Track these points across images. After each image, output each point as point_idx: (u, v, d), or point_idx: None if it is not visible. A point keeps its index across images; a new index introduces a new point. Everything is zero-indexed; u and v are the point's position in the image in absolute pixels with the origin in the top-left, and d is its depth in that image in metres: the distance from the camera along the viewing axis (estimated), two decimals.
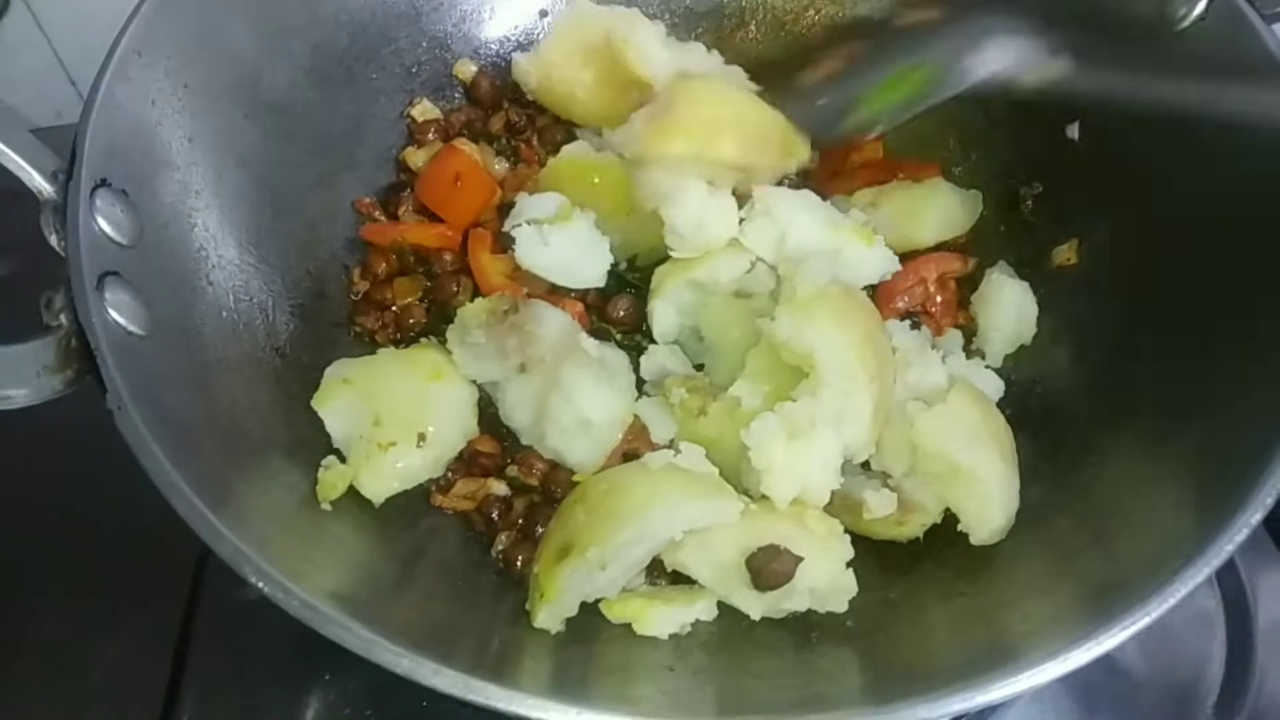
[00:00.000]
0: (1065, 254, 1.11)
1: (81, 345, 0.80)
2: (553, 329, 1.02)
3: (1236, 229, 0.94)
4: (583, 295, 1.11)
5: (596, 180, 1.11)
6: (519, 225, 1.06)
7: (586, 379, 0.99)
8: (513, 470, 1.03)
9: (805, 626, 0.90)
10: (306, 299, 1.10)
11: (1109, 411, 0.98)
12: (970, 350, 1.11)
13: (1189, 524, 0.80)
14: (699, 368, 1.05)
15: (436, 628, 0.83)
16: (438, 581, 0.93)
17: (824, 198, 1.09)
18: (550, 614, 0.86)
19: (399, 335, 1.13)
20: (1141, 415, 0.94)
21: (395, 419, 0.96)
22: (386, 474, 0.95)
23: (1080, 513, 0.91)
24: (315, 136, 1.15)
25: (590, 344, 1.03)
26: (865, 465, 0.97)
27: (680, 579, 0.94)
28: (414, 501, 0.99)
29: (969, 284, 1.15)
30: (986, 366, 1.09)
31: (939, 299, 1.12)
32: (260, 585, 0.72)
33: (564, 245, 1.06)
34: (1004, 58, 1.06)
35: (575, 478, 1.00)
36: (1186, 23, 1.02)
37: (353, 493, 0.94)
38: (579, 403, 0.98)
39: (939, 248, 1.16)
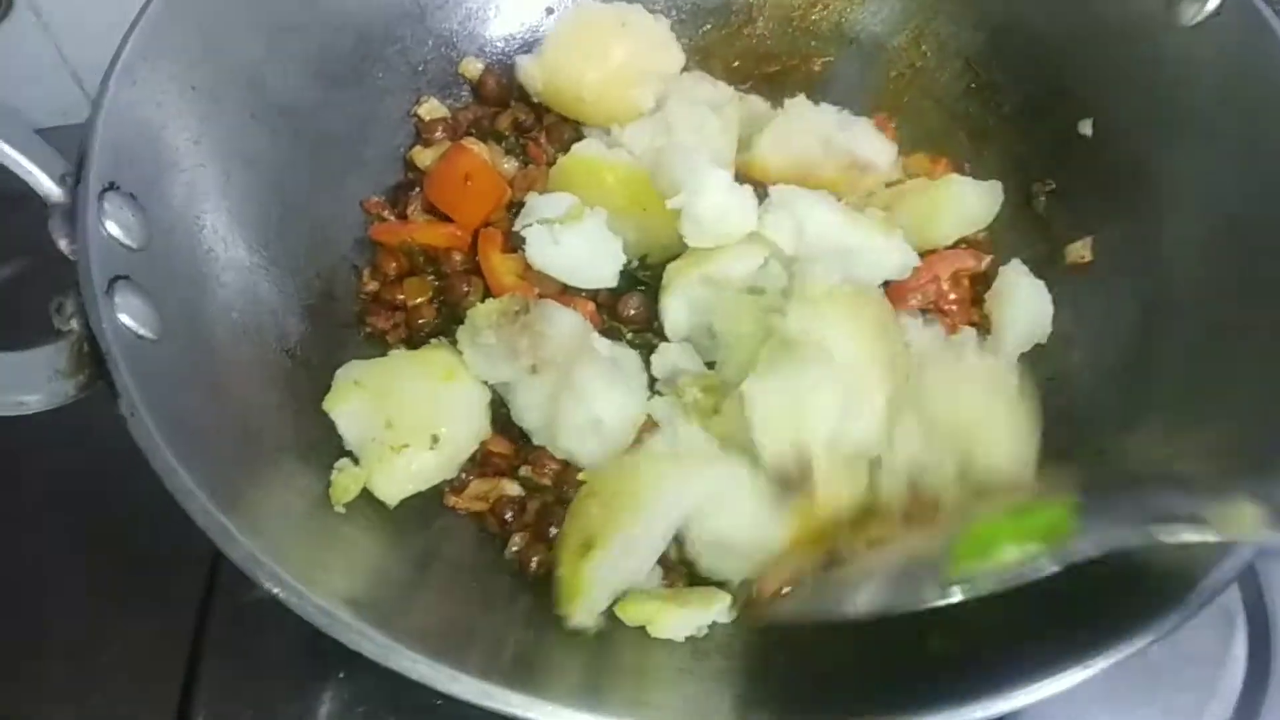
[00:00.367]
0: (1079, 252, 1.11)
1: (93, 350, 0.80)
2: (564, 329, 1.01)
3: (1256, 227, 0.93)
4: (594, 294, 1.10)
5: (608, 179, 1.10)
6: (529, 225, 1.05)
7: (598, 379, 0.98)
8: (526, 471, 1.02)
9: (823, 627, 0.89)
10: (316, 300, 1.09)
11: (1124, 412, 0.97)
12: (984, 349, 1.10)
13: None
14: (710, 365, 1.04)
15: (451, 631, 0.83)
16: (451, 584, 0.92)
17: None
18: (585, 611, 0.87)
19: (409, 335, 1.12)
20: (1157, 416, 0.93)
21: (408, 421, 0.95)
22: (400, 476, 0.95)
23: None
24: (322, 137, 1.14)
25: (602, 344, 1.03)
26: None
27: (697, 580, 0.93)
28: (427, 503, 0.98)
29: (983, 281, 1.14)
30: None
31: (953, 296, 1.11)
32: (275, 590, 0.72)
33: (575, 245, 1.05)
34: None
35: (581, 476, 0.99)
36: (1200, 17, 1.01)
37: (366, 495, 0.94)
38: (591, 403, 0.98)
39: (955, 244, 1.15)
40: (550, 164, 1.19)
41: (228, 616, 1.08)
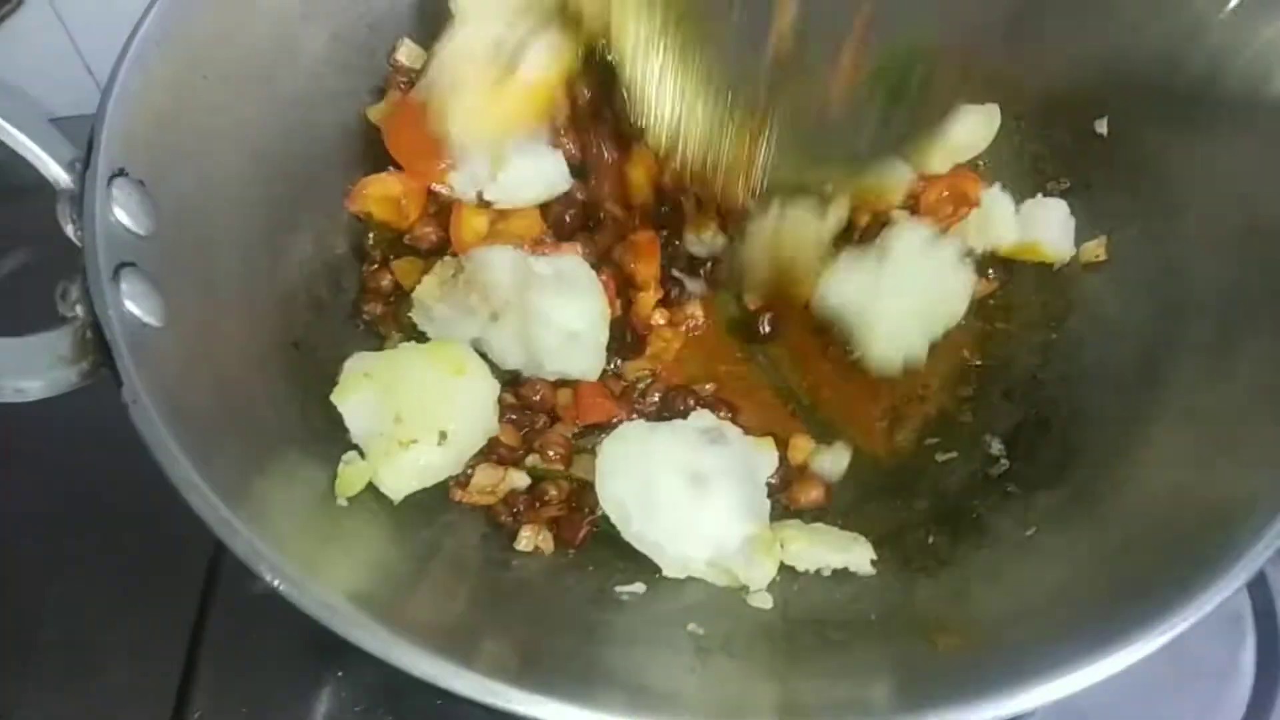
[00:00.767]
0: (1094, 251, 1.09)
1: (97, 337, 0.79)
2: (503, 269, 1.02)
3: (1276, 227, 0.92)
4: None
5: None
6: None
7: (552, 296, 1.00)
8: (534, 460, 1.02)
9: (830, 627, 0.88)
10: (323, 290, 1.09)
11: (1138, 415, 0.95)
12: None
13: (1221, 532, 0.78)
14: None
15: (455, 627, 0.82)
16: (456, 579, 0.91)
17: None
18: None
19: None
20: (1173, 419, 0.92)
21: (417, 416, 0.94)
22: (407, 472, 0.94)
23: (1110, 516, 0.89)
24: (334, 126, 1.14)
25: (540, 264, 1.03)
26: None
27: None
28: (431, 497, 0.97)
29: None
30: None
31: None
32: (276, 584, 0.71)
33: (521, 168, 1.07)
34: None
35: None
36: (1220, 16, 1.00)
37: (370, 489, 0.93)
38: (557, 321, 1.00)
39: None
40: None
41: (227, 613, 1.07)
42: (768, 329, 1.13)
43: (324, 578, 0.73)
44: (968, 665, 0.80)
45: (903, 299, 1.04)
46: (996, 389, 1.09)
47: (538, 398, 1.05)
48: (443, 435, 0.95)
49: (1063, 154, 1.15)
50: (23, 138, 0.87)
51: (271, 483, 0.85)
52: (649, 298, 1.10)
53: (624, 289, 1.11)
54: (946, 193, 1.15)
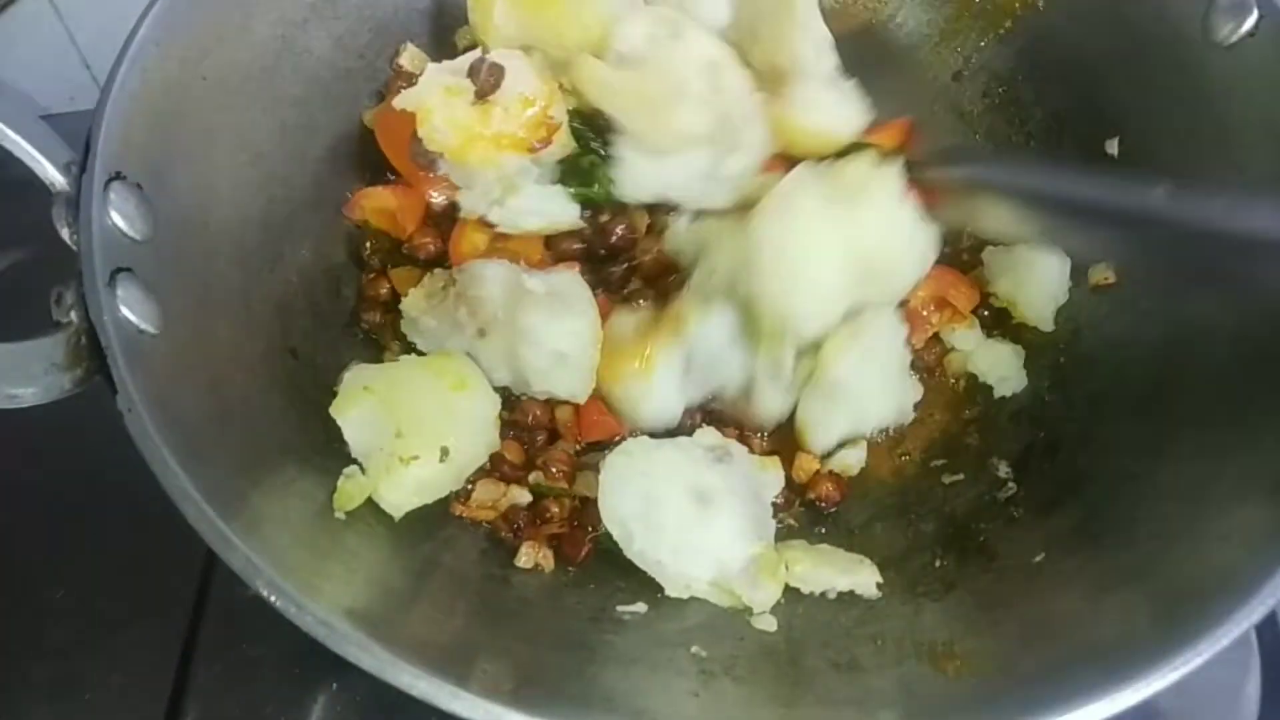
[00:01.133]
0: (1103, 273, 1.08)
1: (91, 343, 0.77)
2: (495, 284, 1.00)
3: None
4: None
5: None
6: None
7: (543, 316, 0.98)
8: (536, 476, 1.00)
9: (836, 652, 0.87)
10: (322, 298, 1.07)
11: (1149, 440, 0.94)
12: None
13: (1238, 559, 0.77)
14: None
15: (453, 646, 0.81)
16: (455, 596, 0.89)
17: None
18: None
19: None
20: (1185, 446, 0.91)
21: (418, 431, 0.92)
22: (408, 488, 0.92)
23: (1120, 543, 0.87)
24: (335, 131, 1.13)
25: (534, 281, 1.00)
26: None
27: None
28: (432, 511, 0.95)
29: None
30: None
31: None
32: (273, 600, 0.69)
33: (531, 196, 1.05)
34: None
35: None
36: (1235, 38, 0.99)
37: (369, 503, 0.91)
38: (545, 341, 0.97)
39: None
40: None
41: (220, 621, 1.05)
42: None
43: (321, 594, 0.72)
44: (977, 695, 0.79)
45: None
46: (1003, 411, 1.07)
47: (530, 419, 1.03)
48: (444, 451, 0.93)
49: None
50: (18, 139, 0.85)
51: (268, 495, 0.84)
52: None
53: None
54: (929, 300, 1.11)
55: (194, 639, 1.04)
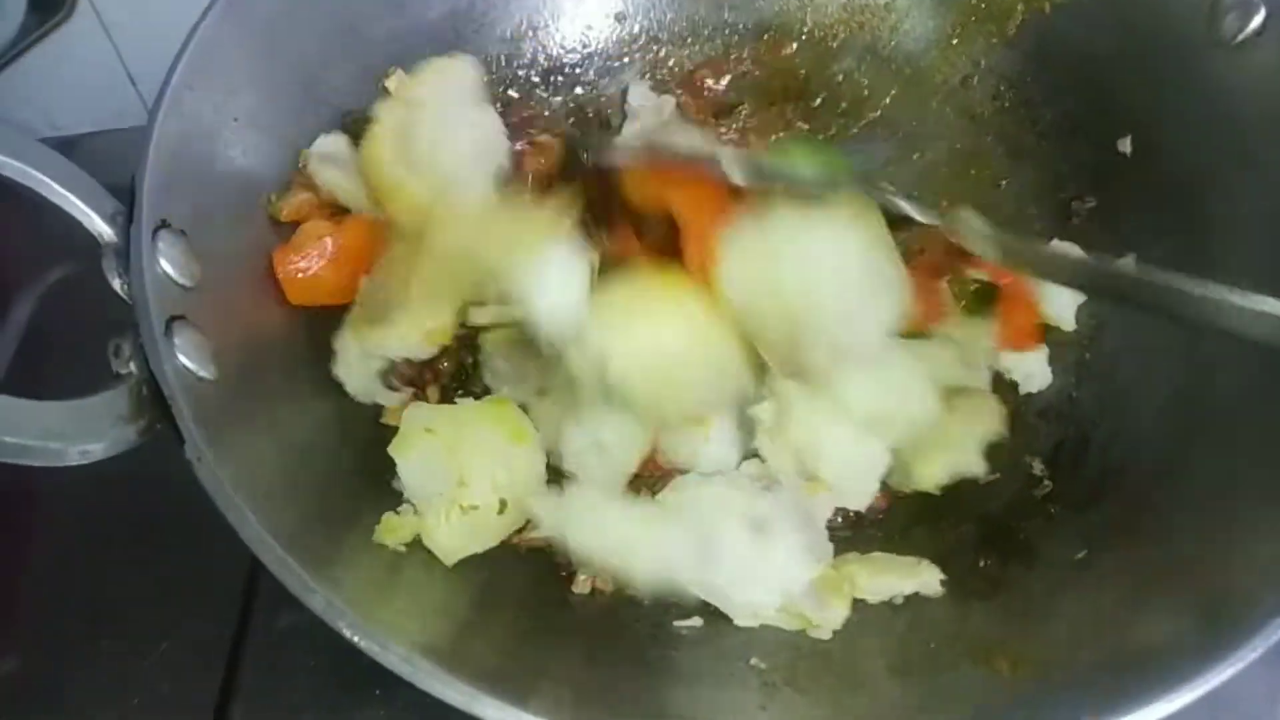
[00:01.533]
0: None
1: (153, 393, 0.79)
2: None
3: None
4: None
5: None
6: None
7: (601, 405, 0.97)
8: None
9: (892, 657, 0.89)
10: None
11: (1182, 432, 0.96)
12: None
13: (1268, 573, 0.78)
14: None
15: (517, 671, 0.82)
16: (515, 621, 0.91)
17: None
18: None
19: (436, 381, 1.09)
20: (1217, 437, 0.93)
21: (480, 481, 0.93)
22: (464, 536, 0.92)
23: (1160, 540, 0.89)
24: None
25: None
26: None
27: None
28: None
29: None
30: None
31: None
32: (357, 640, 0.71)
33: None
34: None
35: None
36: (1243, 36, 1.01)
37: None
38: (594, 429, 0.98)
39: None
40: None
41: (264, 630, 1.07)
42: None
43: (398, 629, 0.73)
44: (1034, 694, 0.81)
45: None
46: (1031, 409, 1.09)
47: None
48: (503, 504, 0.93)
49: (1087, 172, 1.16)
50: (65, 193, 0.86)
51: (332, 534, 0.85)
52: None
53: None
54: None
55: (240, 647, 1.06)
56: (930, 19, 1.26)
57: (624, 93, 1.29)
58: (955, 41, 1.25)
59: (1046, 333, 1.11)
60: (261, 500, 0.76)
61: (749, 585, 0.91)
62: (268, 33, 1.01)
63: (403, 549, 0.90)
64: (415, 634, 0.77)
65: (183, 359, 0.81)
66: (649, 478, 1.03)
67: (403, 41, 1.15)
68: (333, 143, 1.10)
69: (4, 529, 1.16)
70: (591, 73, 1.30)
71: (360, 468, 0.94)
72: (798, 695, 0.85)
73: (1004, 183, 1.22)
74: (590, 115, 1.29)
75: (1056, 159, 1.19)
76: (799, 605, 0.91)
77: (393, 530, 0.91)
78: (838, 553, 0.97)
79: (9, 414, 0.74)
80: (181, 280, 0.86)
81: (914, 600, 0.94)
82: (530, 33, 1.27)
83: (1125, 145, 1.13)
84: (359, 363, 1.01)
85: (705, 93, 1.30)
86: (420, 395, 1.07)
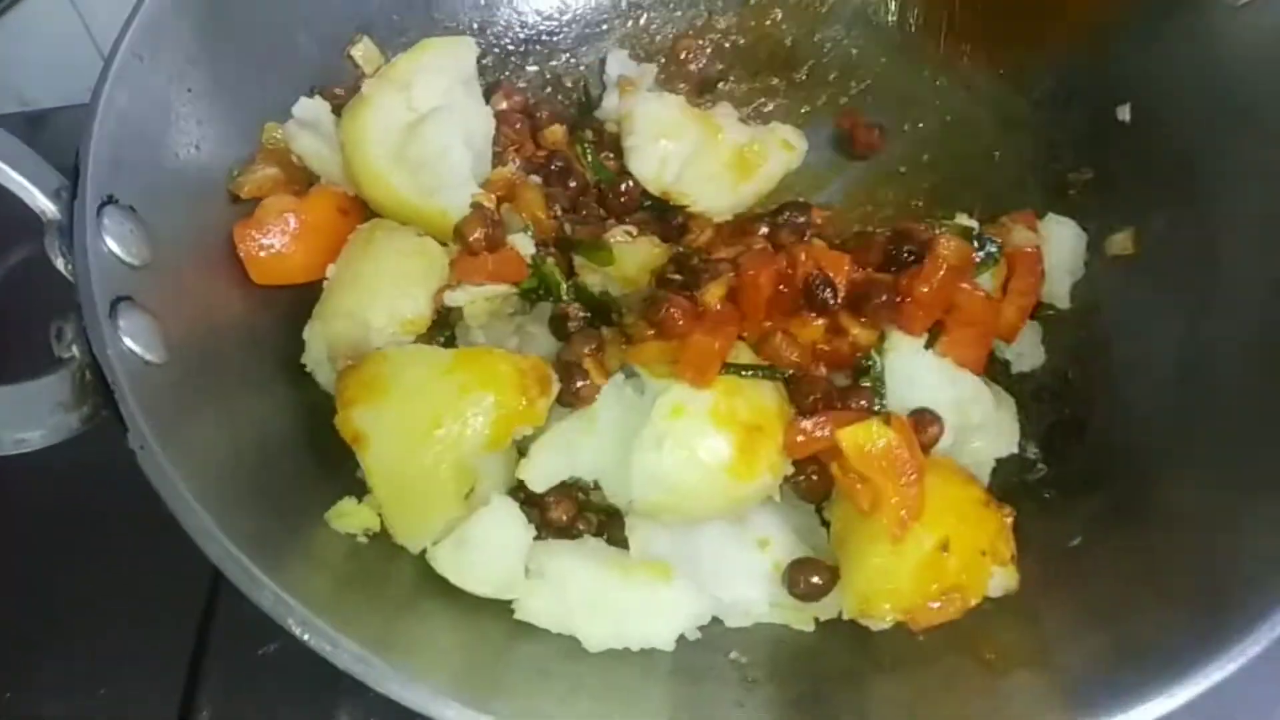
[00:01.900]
0: (1121, 244, 1.06)
1: (97, 378, 0.75)
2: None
3: None
4: None
5: None
6: None
7: None
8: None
9: (877, 650, 0.85)
10: None
11: (1181, 413, 0.92)
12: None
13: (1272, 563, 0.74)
14: None
15: (479, 669, 0.79)
16: (478, 617, 0.87)
17: None
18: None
19: None
20: (1218, 418, 0.89)
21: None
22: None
23: (1160, 527, 0.85)
24: None
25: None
26: None
27: None
28: None
29: None
30: None
31: None
32: (306, 637, 0.67)
33: None
34: None
35: None
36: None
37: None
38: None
39: None
40: None
41: (232, 620, 1.04)
42: None
43: (355, 628, 0.69)
44: (1027, 688, 0.77)
45: None
46: (1024, 389, 1.05)
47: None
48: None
49: (1083, 142, 1.12)
50: (3, 167, 0.81)
51: (289, 525, 0.82)
52: None
53: None
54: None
55: (207, 637, 1.04)
56: None
57: (604, 62, 1.24)
58: (942, 5, 1.21)
59: (1038, 310, 1.07)
60: (209, 490, 0.72)
61: (732, 580, 0.87)
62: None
63: (363, 540, 0.86)
64: (377, 634, 0.73)
65: (128, 342, 0.77)
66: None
67: (369, 6, 1.10)
68: (313, 108, 1.06)
69: None
70: (569, 40, 1.25)
71: (323, 460, 0.89)
72: (778, 691, 0.81)
73: (998, 154, 1.18)
74: (569, 86, 1.24)
75: (1052, 128, 1.15)
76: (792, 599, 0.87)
77: (344, 516, 0.86)
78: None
79: None
80: (129, 259, 0.82)
81: None
82: None
83: (1124, 113, 1.08)
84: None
85: (688, 63, 1.26)
86: None
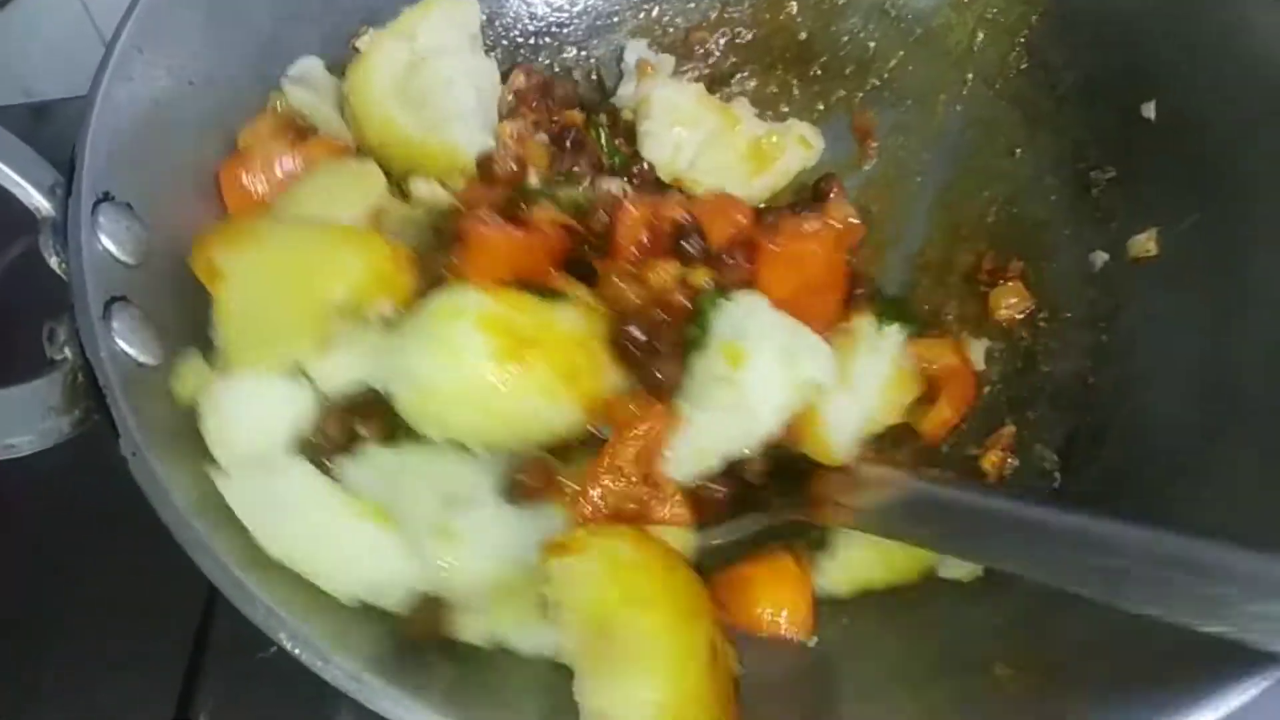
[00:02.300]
0: (1144, 245, 1.02)
1: (89, 381, 0.73)
2: None
3: None
4: None
5: None
6: None
7: None
8: None
9: (884, 664, 0.83)
10: None
11: (1201, 422, 0.89)
12: None
13: None
14: None
15: (480, 685, 0.77)
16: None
17: None
18: None
19: None
20: (1241, 426, 0.86)
21: None
22: None
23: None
24: None
25: None
26: None
27: None
28: None
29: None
30: None
31: None
32: (297, 653, 0.66)
33: None
34: None
35: None
36: None
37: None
38: None
39: None
40: None
41: (229, 625, 1.03)
42: None
43: (348, 645, 0.68)
44: (1040, 706, 0.75)
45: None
46: (1043, 395, 1.02)
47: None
48: None
49: (1107, 140, 1.08)
50: None
51: None
52: None
53: None
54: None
55: (205, 641, 1.02)
56: None
57: (615, 55, 1.22)
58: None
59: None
60: (204, 502, 0.71)
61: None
62: None
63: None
64: (370, 650, 0.72)
65: (122, 343, 0.76)
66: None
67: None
68: (308, 66, 1.05)
69: None
70: (580, 32, 1.22)
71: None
72: (777, 707, 0.79)
73: (1019, 151, 1.14)
74: (578, 80, 1.22)
75: (1075, 125, 1.11)
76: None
77: (182, 379, 0.80)
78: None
79: None
80: (124, 258, 0.80)
81: (907, 606, 0.88)
82: None
83: (1149, 110, 1.05)
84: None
85: (702, 56, 1.23)
86: None
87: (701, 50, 1.23)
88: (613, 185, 1.06)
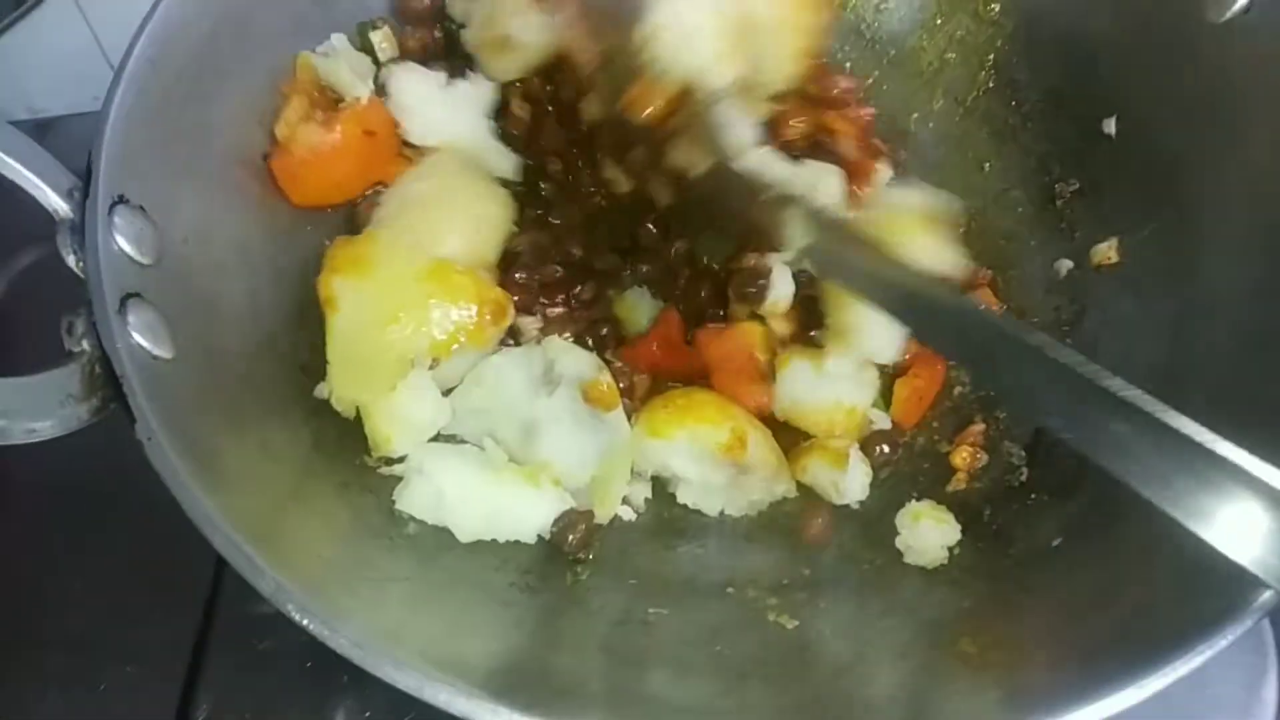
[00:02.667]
0: (1106, 253, 1.08)
1: (106, 372, 0.77)
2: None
3: None
4: None
5: None
6: None
7: None
8: None
9: (862, 644, 0.87)
10: None
11: None
12: None
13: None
14: None
15: (484, 660, 0.81)
16: (480, 608, 0.89)
17: None
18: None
19: None
20: (1198, 422, 0.91)
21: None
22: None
23: (1138, 524, 0.86)
24: None
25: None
26: None
27: None
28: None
29: None
30: None
31: None
32: (305, 623, 0.69)
33: None
34: None
35: None
36: (1229, 14, 0.99)
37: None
38: None
39: None
40: None
41: (233, 614, 1.06)
42: None
43: (353, 615, 0.72)
44: (999, 686, 0.79)
45: None
46: None
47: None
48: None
49: (1071, 154, 1.14)
50: (18, 167, 0.84)
51: (291, 516, 0.84)
52: None
53: None
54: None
55: (208, 631, 1.05)
56: None
57: None
58: (939, 21, 1.24)
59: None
60: (214, 481, 0.75)
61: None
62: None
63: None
64: (378, 621, 0.75)
65: (137, 337, 0.79)
66: None
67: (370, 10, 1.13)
68: (336, 39, 1.11)
69: None
70: None
71: (326, 449, 0.92)
72: (763, 685, 0.83)
73: (988, 165, 1.20)
74: None
75: (1041, 141, 1.17)
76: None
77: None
78: None
79: None
80: (139, 257, 0.84)
81: (881, 590, 0.93)
82: None
83: (1110, 126, 1.11)
84: None
85: None
86: None
87: None
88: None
